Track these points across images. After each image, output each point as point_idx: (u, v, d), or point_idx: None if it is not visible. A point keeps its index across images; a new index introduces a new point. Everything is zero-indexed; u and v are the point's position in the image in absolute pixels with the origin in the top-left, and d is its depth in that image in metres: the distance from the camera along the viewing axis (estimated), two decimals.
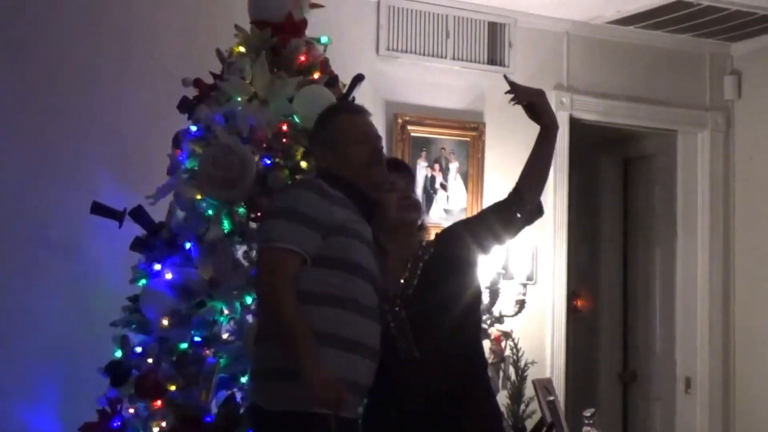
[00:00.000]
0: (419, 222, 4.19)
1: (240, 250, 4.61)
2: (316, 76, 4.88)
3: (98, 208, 4.86)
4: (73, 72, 5.89)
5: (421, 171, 6.69)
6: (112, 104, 5.94)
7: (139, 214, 4.77)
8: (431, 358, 3.89)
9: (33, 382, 5.61)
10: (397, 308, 3.92)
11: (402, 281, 3.96)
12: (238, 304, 4.55)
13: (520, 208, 4.07)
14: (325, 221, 3.67)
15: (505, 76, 4.21)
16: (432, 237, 4.22)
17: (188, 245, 4.62)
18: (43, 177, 5.78)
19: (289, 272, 3.59)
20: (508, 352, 6.42)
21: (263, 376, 3.71)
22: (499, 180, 6.52)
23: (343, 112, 4.12)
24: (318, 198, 3.70)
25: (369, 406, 3.90)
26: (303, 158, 4.71)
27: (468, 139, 6.86)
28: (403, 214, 4.05)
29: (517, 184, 4.12)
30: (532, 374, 6.45)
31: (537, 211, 4.15)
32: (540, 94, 4.16)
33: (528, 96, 4.15)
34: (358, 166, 3.90)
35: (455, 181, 6.81)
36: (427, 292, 3.94)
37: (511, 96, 4.14)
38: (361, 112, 4.10)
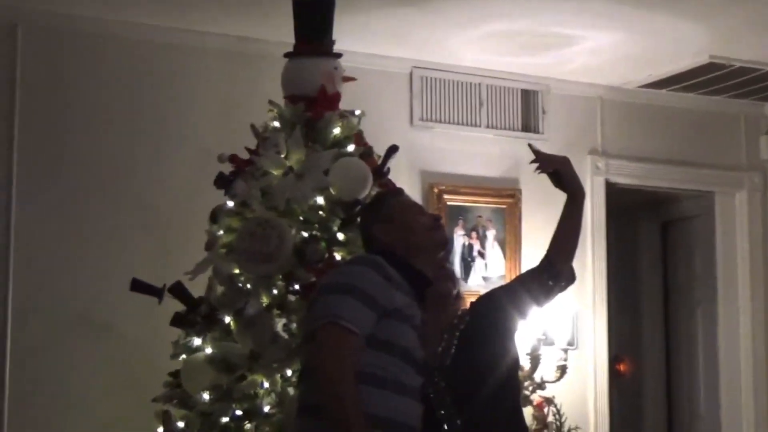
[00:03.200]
0: (455, 292, 4.20)
1: (279, 323, 4.61)
2: (350, 148, 4.92)
3: (138, 285, 4.89)
4: (111, 153, 5.98)
5: (459, 239, 6.71)
6: (150, 183, 6.01)
7: (178, 290, 4.79)
8: (473, 427, 3.88)
9: None
10: (436, 379, 3.91)
11: (439, 351, 3.97)
12: (278, 377, 4.55)
13: (551, 275, 4.04)
14: (384, 304, 3.64)
15: (530, 145, 4.20)
16: (468, 305, 4.23)
17: (227, 319, 4.65)
18: (83, 257, 5.85)
19: (353, 355, 3.54)
20: (550, 419, 6.38)
21: None
22: (537, 246, 6.45)
23: (390, 196, 4.21)
24: (380, 278, 3.66)
25: None
26: (340, 230, 4.73)
27: (504, 206, 6.88)
28: (439, 284, 4.06)
29: (548, 251, 4.09)
30: None
31: (570, 278, 4.11)
32: (564, 162, 4.13)
33: (553, 164, 4.13)
34: (422, 231, 3.93)
35: (493, 248, 6.82)
36: (465, 360, 3.93)
37: (536, 165, 4.15)
38: (405, 193, 4.23)
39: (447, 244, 4.10)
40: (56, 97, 5.94)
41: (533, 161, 4.14)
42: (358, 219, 4.42)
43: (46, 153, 5.88)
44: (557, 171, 4.11)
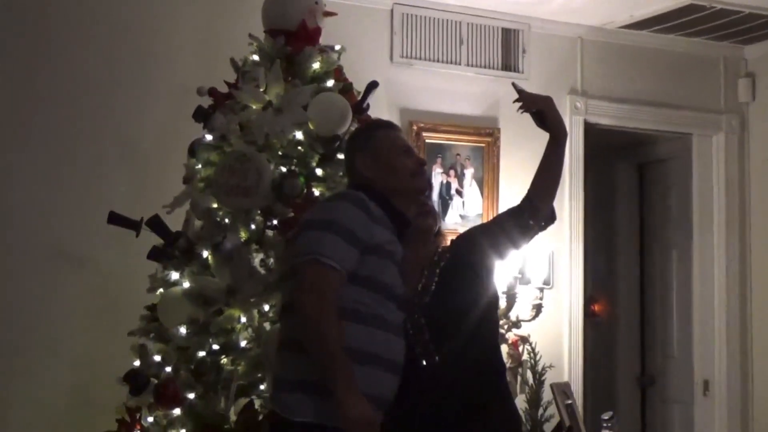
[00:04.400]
0: (436, 228, 4.20)
1: (257, 258, 4.62)
2: (330, 83, 4.90)
3: (115, 218, 4.87)
4: (89, 85, 5.91)
5: (437, 177, 6.70)
6: (127, 114, 5.96)
7: (155, 224, 4.78)
8: (451, 364, 3.89)
9: (53, 394, 5.63)
10: (415, 315, 3.92)
11: (419, 288, 3.98)
12: (255, 312, 4.56)
13: (532, 214, 4.05)
14: (365, 239, 3.67)
15: (514, 84, 4.18)
16: (448, 243, 4.23)
17: (205, 254, 4.64)
18: (59, 189, 5.81)
19: (335, 292, 3.59)
20: (525, 357, 6.41)
21: (286, 385, 3.71)
22: (515, 185, 6.51)
23: (381, 128, 4.15)
24: (362, 214, 3.70)
25: (390, 414, 3.89)
26: (318, 165, 4.73)
27: (483, 145, 6.87)
28: (419, 220, 4.07)
29: (529, 191, 4.10)
30: (549, 378, 6.45)
31: (550, 218, 4.13)
32: (547, 101, 4.12)
33: (535, 103, 4.12)
34: (404, 175, 3.94)
35: (470, 187, 6.82)
36: (444, 297, 3.94)
37: (520, 104, 4.14)
38: (397, 128, 4.16)
39: (427, 190, 4.10)
40: (34, 27, 5.86)
41: (516, 100, 4.13)
42: (344, 146, 4.40)
43: (22, 84, 5.81)
44: (540, 111, 4.11)
